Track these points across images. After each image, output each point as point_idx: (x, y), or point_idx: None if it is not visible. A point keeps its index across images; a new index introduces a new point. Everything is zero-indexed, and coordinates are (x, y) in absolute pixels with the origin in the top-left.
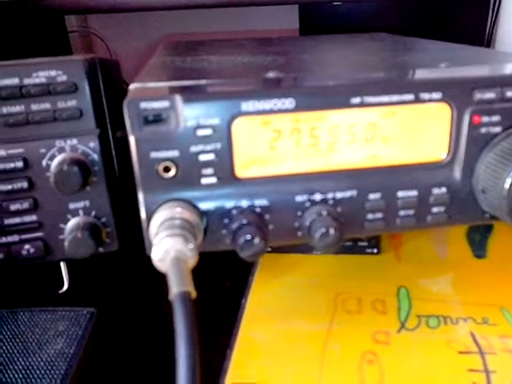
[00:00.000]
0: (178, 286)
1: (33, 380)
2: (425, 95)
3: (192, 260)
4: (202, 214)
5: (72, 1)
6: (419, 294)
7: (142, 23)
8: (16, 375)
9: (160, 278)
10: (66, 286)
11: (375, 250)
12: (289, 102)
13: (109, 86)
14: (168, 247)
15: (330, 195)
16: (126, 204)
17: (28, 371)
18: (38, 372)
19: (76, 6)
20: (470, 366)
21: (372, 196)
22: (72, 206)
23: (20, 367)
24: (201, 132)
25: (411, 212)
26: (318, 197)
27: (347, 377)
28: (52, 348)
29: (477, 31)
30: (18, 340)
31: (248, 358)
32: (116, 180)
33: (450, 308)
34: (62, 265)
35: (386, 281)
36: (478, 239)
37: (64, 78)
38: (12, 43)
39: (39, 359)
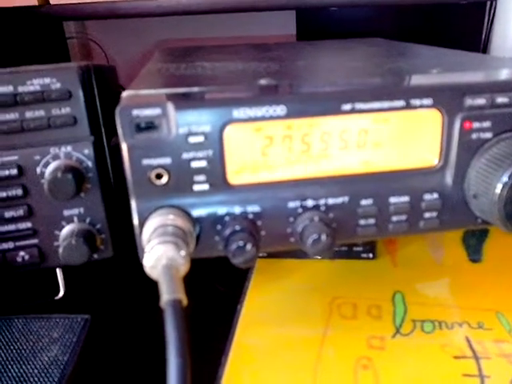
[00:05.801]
0: (169, 293)
1: None
2: (416, 101)
3: (184, 267)
4: (195, 220)
5: (70, 7)
6: (415, 298)
7: (139, 29)
8: (10, 383)
9: (154, 285)
10: (61, 293)
11: (371, 255)
12: (280, 109)
13: (104, 92)
14: (160, 254)
15: (322, 201)
16: (120, 210)
17: (22, 379)
18: (31, 379)
19: (74, 13)
20: (465, 371)
21: (364, 202)
22: (66, 212)
23: (14, 375)
24: (193, 139)
25: (403, 217)
26: (310, 203)
27: (342, 382)
28: (46, 355)
29: (473, 36)
30: (12, 347)
31: (243, 364)
32: (111, 186)
33: (445, 312)
34: (58, 271)
35: (381, 286)
36: (474, 243)
37: (58, 85)
38: (11, 50)
39: (33, 367)
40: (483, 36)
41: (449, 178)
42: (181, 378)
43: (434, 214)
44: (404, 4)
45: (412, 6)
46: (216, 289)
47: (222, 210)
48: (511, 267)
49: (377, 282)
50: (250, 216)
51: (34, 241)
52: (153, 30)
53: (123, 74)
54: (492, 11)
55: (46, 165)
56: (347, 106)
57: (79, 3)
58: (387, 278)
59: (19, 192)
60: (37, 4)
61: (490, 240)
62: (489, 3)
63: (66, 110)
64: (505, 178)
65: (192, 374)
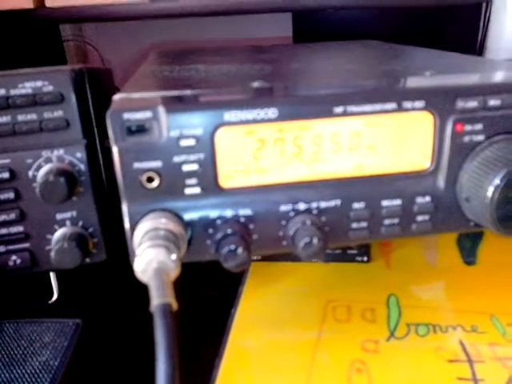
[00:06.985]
0: (159, 297)
1: None
2: (407, 104)
3: (174, 271)
4: (186, 224)
5: (66, 10)
6: (409, 301)
7: (135, 31)
8: None
9: (146, 289)
10: (55, 297)
11: (365, 258)
12: (271, 112)
13: (98, 95)
14: (150, 258)
15: (314, 204)
16: (113, 214)
17: (13, 383)
18: None
19: (70, 16)
20: (459, 375)
21: (356, 205)
22: (59, 216)
23: (5, 379)
24: (184, 142)
25: (396, 221)
26: (302, 206)
27: None
28: (37, 360)
29: (469, 38)
30: (3, 352)
31: (237, 366)
32: (103, 190)
33: (439, 316)
34: (52, 275)
35: (375, 289)
36: (469, 246)
37: (50, 88)
38: (7, 53)
39: (24, 371)
40: (479, 37)
41: (441, 181)
42: (169, 381)
43: (427, 217)
44: (400, 6)
45: (408, 8)
46: (211, 293)
47: (213, 214)
48: (505, 270)
49: (371, 285)
50: (242, 219)
51: (26, 245)
52: (148, 32)
53: (119, 76)
54: (487, 13)
55: (38, 168)
56: (339, 109)
57: (75, 6)
58: (381, 281)
59: (11, 195)
60: (32, 7)
61: (485, 243)
62: (484, 5)
63: (58, 114)
64: (497, 181)
65: (183, 377)
